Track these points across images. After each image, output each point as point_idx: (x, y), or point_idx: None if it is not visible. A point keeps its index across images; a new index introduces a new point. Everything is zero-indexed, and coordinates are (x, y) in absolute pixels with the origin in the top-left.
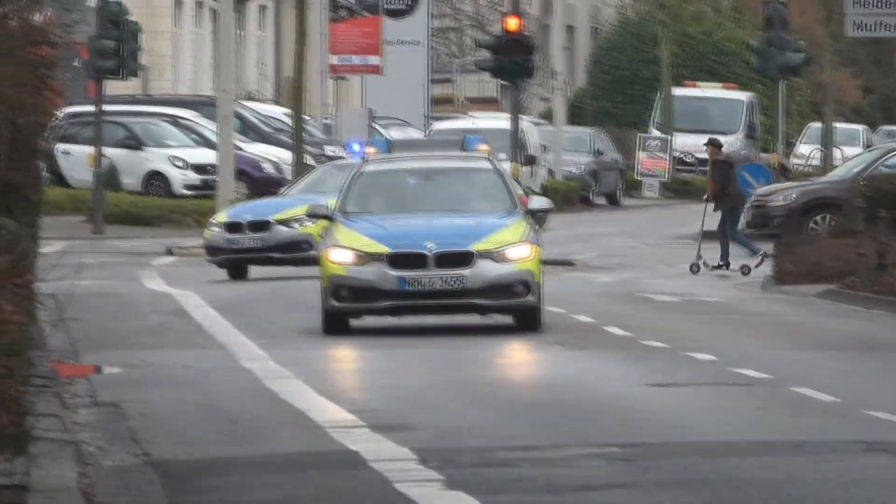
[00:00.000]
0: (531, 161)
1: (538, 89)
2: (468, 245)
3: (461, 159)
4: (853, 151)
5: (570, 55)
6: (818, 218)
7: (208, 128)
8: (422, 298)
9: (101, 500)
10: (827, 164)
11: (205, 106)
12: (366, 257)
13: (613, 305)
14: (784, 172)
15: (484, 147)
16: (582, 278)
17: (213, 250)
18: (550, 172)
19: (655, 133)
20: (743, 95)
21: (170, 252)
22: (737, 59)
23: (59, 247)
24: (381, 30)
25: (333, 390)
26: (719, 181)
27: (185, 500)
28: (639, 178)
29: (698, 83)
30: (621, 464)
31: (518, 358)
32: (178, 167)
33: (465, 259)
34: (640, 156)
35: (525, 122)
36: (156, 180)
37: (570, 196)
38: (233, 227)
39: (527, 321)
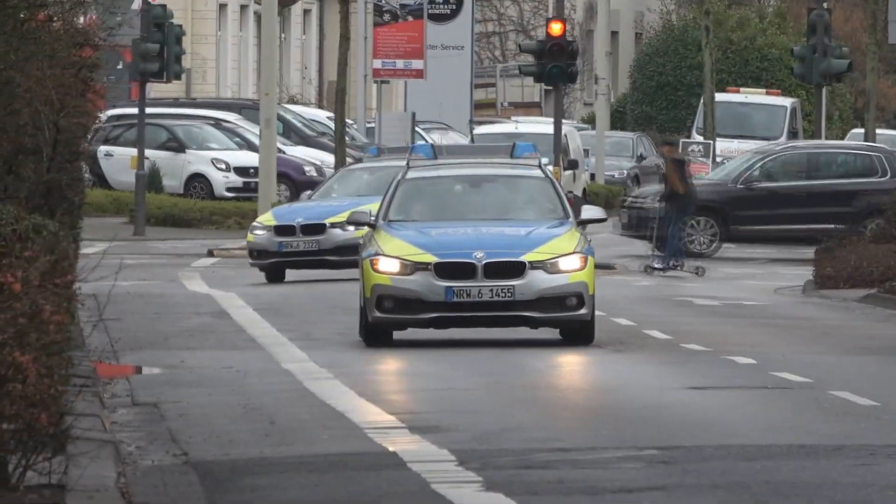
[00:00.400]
0: (573, 166)
1: (581, 94)
2: (519, 255)
3: (510, 166)
4: None
5: (613, 60)
6: (694, 222)
7: (251, 131)
8: (469, 310)
9: (139, 500)
10: None
11: (247, 109)
12: (411, 266)
13: (653, 309)
14: None
15: (534, 155)
16: (622, 281)
17: (261, 254)
18: (592, 177)
19: (698, 138)
20: (786, 101)
21: (211, 254)
22: (780, 64)
23: (101, 248)
24: (424, 34)
25: (373, 392)
26: (676, 180)
27: (224, 500)
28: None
29: (741, 89)
30: (660, 466)
31: (558, 361)
32: (220, 170)
33: (515, 269)
34: (688, 159)
35: (567, 127)
36: (197, 182)
37: (612, 200)
38: (284, 230)
39: (578, 336)
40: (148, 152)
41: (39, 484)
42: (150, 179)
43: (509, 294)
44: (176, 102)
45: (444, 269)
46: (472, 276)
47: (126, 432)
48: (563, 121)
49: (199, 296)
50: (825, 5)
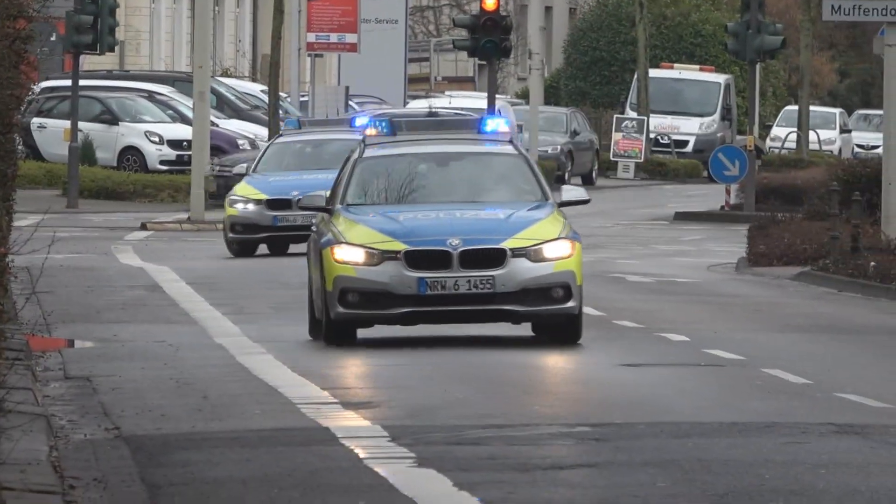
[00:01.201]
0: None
1: (514, 69)
2: (499, 241)
3: (479, 142)
4: (829, 134)
5: (547, 35)
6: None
7: (184, 103)
8: (444, 304)
9: (71, 474)
10: (802, 146)
11: (181, 82)
12: (378, 256)
13: (586, 286)
14: (759, 155)
15: (504, 129)
16: None
17: (248, 227)
18: (526, 152)
19: (631, 114)
20: (719, 77)
21: (144, 227)
22: (714, 41)
23: (34, 220)
24: (358, 8)
25: (306, 367)
26: None
27: (155, 475)
28: (614, 158)
29: (675, 65)
30: (592, 443)
31: (492, 338)
32: (154, 142)
33: (496, 258)
34: (616, 137)
35: (501, 102)
36: (131, 155)
37: (546, 174)
38: (278, 203)
39: (564, 332)
40: (81, 125)
41: None
42: (84, 152)
43: (489, 286)
44: (109, 75)
45: (416, 258)
46: (446, 266)
47: (58, 406)
48: (497, 96)
49: (132, 269)
50: None
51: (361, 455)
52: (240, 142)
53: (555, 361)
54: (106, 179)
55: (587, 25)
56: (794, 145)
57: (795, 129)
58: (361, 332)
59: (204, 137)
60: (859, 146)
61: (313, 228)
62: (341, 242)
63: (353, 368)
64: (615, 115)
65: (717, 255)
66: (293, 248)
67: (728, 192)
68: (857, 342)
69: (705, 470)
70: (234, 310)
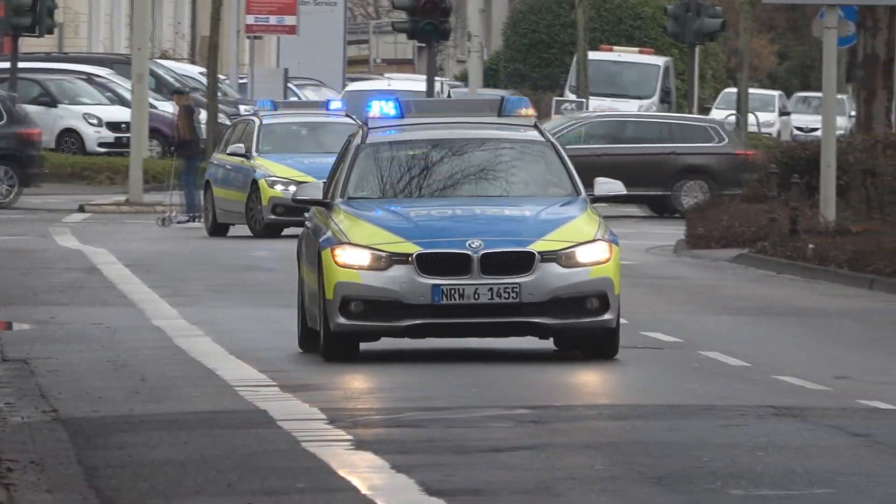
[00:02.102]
0: None
1: (454, 51)
2: (526, 243)
3: (500, 127)
4: (768, 117)
5: (486, 18)
6: None
7: (123, 86)
8: (461, 315)
9: (8, 457)
10: (741, 129)
11: (120, 64)
12: (386, 259)
13: None
14: None
15: (528, 111)
16: None
17: (293, 210)
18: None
19: (570, 96)
20: (659, 60)
21: (82, 209)
22: (653, 23)
23: None
24: None
25: (244, 349)
26: (186, 128)
27: (93, 457)
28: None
29: (614, 47)
30: (530, 426)
31: None
32: (92, 125)
33: (522, 262)
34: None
35: (441, 84)
36: (69, 137)
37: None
38: None
39: (598, 348)
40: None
41: None
42: None
43: (514, 295)
44: (48, 57)
45: (430, 263)
46: (465, 272)
47: None
48: (436, 78)
49: (70, 251)
50: None
51: (299, 438)
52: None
53: (492, 345)
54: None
55: (527, 8)
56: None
57: (734, 112)
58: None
59: (142, 120)
60: (798, 129)
61: (307, 224)
62: (343, 243)
63: (290, 350)
64: (555, 98)
65: (655, 238)
66: (232, 231)
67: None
68: (796, 324)
69: (644, 452)
70: (171, 292)
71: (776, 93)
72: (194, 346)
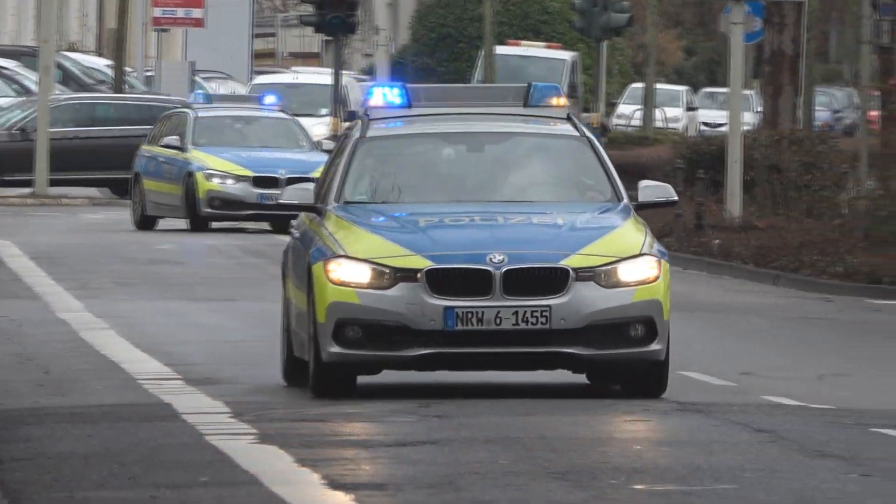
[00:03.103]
0: (352, 117)
1: (361, 45)
2: (558, 258)
3: (525, 119)
4: (674, 112)
5: (393, 11)
6: None
7: (29, 78)
8: (480, 345)
9: None
10: (648, 124)
11: (26, 56)
12: (390, 275)
13: None
14: (604, 132)
15: (560, 100)
16: None
17: (230, 203)
18: (591, 133)
19: None
20: (565, 55)
21: None
22: (560, 18)
23: None
24: None
25: (149, 343)
26: None
27: None
28: None
29: (521, 42)
30: (434, 420)
31: None
32: None
33: (553, 281)
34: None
35: (347, 78)
36: None
37: None
38: (264, 181)
39: (641, 383)
40: None
41: None
42: None
43: (543, 320)
44: None
45: (443, 280)
46: (485, 292)
47: None
48: (343, 72)
49: None
50: None
51: (203, 431)
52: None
53: None
54: None
55: (434, 2)
56: (639, 123)
57: (641, 107)
58: None
59: (48, 111)
60: (705, 124)
61: (294, 232)
62: (338, 256)
63: (197, 345)
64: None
65: None
66: (163, 224)
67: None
68: (701, 320)
69: (548, 447)
70: (77, 285)
71: (683, 88)
72: (99, 340)
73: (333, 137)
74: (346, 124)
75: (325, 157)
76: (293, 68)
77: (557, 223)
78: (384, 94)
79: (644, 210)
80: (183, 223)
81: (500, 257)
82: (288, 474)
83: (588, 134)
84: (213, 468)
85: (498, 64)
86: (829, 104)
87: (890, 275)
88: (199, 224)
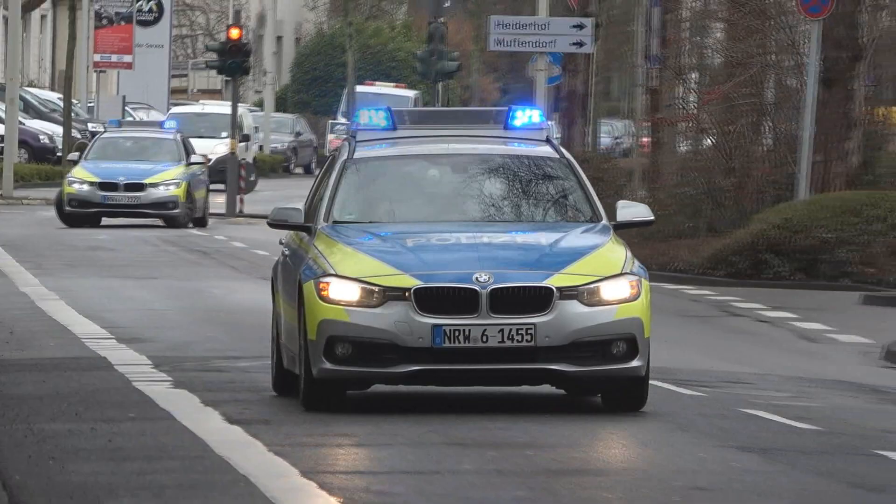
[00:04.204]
0: (246, 139)
1: (253, 83)
2: (543, 277)
3: (506, 140)
4: None
5: (278, 58)
6: None
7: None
8: (467, 361)
9: None
10: None
11: None
12: (379, 294)
13: None
14: None
15: (539, 120)
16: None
17: (83, 203)
18: (261, 148)
19: (342, 120)
20: (410, 93)
21: None
22: (406, 64)
23: None
24: (133, 35)
25: (90, 310)
26: None
27: None
28: (328, 153)
29: (376, 83)
30: None
31: (238, 291)
32: None
33: (538, 299)
34: (330, 137)
35: (242, 109)
36: None
37: (276, 166)
38: (107, 186)
39: (624, 398)
40: None
41: None
42: None
43: (528, 337)
44: None
45: (431, 299)
46: (471, 310)
47: None
48: (239, 104)
49: None
50: (441, 19)
51: (131, 378)
52: (41, 136)
53: None
54: None
55: (309, 51)
56: None
57: None
58: None
59: (13, 133)
60: None
61: (284, 251)
62: (329, 275)
63: (126, 313)
64: (329, 121)
65: None
66: (107, 221)
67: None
68: None
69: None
70: (34, 266)
71: None
72: (52, 308)
73: (231, 154)
74: (241, 143)
75: (180, 169)
76: (201, 101)
77: (541, 243)
78: (370, 117)
79: (621, 229)
80: (120, 221)
81: (486, 276)
82: (194, 412)
83: (567, 155)
84: (139, 407)
85: (357, 99)
86: (610, 132)
87: (656, 263)
88: (66, 218)
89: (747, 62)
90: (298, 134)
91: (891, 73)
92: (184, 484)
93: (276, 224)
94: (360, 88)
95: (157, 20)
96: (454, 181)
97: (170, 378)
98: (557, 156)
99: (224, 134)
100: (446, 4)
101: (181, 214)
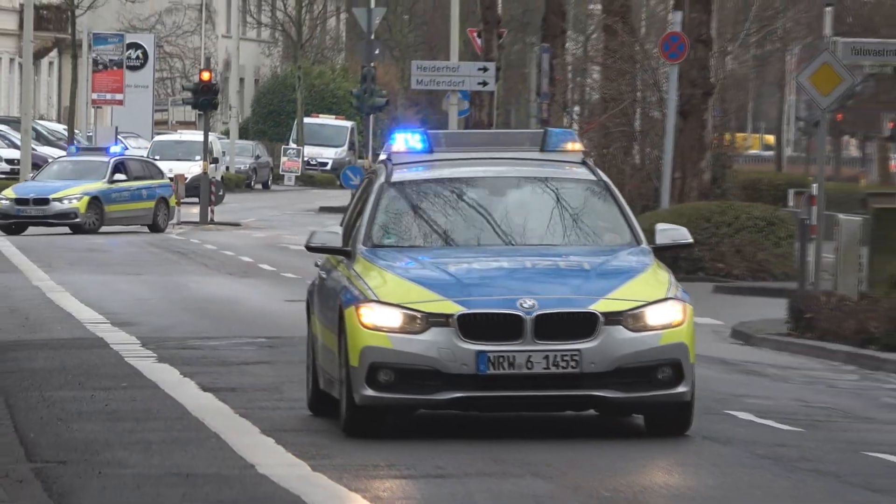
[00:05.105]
0: (215, 161)
1: (220, 116)
2: (587, 303)
3: (543, 164)
4: None
5: (241, 96)
6: None
7: (14, 136)
8: (512, 388)
9: None
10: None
11: (12, 123)
12: (422, 320)
13: (265, 252)
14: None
15: (575, 145)
16: (245, 234)
17: (4, 216)
18: (227, 168)
19: (293, 146)
20: (348, 123)
21: None
22: (345, 100)
23: None
24: (123, 77)
25: (91, 300)
26: None
27: None
28: (282, 173)
29: (320, 115)
30: (267, 349)
31: (210, 284)
32: None
33: (583, 325)
34: (283, 159)
35: (212, 136)
36: None
37: (239, 183)
38: (21, 201)
39: (668, 421)
40: None
41: None
42: None
43: (574, 364)
44: None
45: (475, 325)
46: (516, 336)
47: None
48: (210, 133)
49: None
50: (372, 64)
51: (123, 355)
52: (49, 160)
53: (241, 298)
54: None
55: (266, 90)
56: None
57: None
58: None
59: (27, 157)
60: None
61: (321, 273)
62: (370, 300)
63: (119, 302)
64: (283, 146)
65: None
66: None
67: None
68: None
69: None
70: (45, 265)
71: None
72: (58, 298)
73: (203, 173)
74: (212, 165)
75: (93, 185)
76: (179, 131)
77: (584, 267)
78: (406, 140)
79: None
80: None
81: (531, 302)
82: (176, 383)
83: (604, 177)
84: (130, 378)
85: (306, 129)
86: None
87: None
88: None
89: (619, 98)
90: (258, 157)
91: (734, 107)
92: (167, 440)
93: (315, 248)
94: (307, 120)
95: (142, 65)
96: (492, 204)
97: (154, 354)
98: (594, 178)
99: (197, 157)
100: (376, 52)
101: (82, 223)
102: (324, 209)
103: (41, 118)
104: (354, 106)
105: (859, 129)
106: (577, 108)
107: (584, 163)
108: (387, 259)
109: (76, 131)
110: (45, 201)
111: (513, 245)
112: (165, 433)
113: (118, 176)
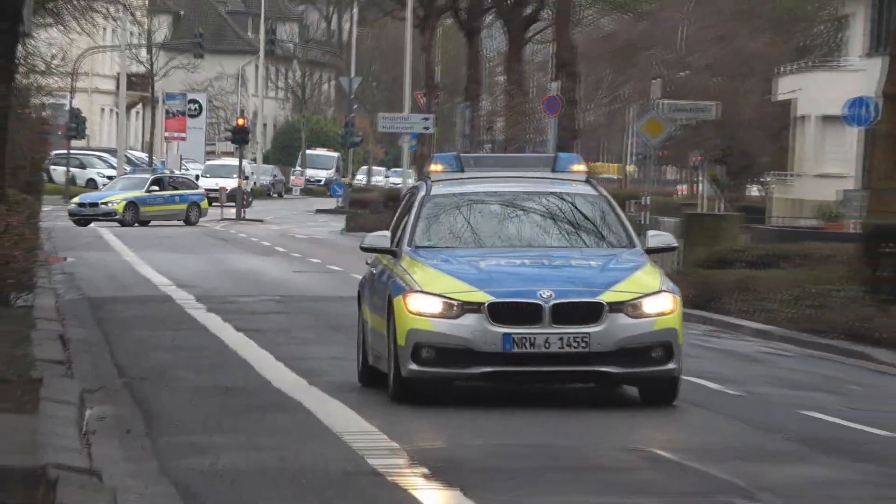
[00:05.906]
0: (247, 178)
1: (250, 148)
2: (596, 294)
3: (554, 182)
4: (379, 177)
5: (264, 135)
6: None
7: (112, 161)
8: (532, 364)
9: (63, 315)
10: (369, 183)
11: (111, 152)
12: (458, 307)
13: (280, 239)
14: (351, 186)
15: (580, 167)
16: (266, 227)
17: (73, 214)
18: (255, 183)
19: (298, 168)
20: (335, 154)
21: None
22: (333, 139)
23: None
24: (185, 122)
25: (162, 270)
26: None
27: (98, 313)
28: (291, 186)
29: (317, 148)
30: (282, 303)
31: (245, 262)
32: (101, 178)
33: (592, 313)
34: (292, 178)
35: (245, 162)
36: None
37: (262, 193)
38: (81, 204)
39: (660, 394)
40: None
41: (22, 305)
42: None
43: (584, 344)
44: (84, 149)
45: (502, 312)
46: (536, 321)
47: (60, 286)
48: (243, 159)
49: (90, 229)
50: (352, 115)
51: (184, 307)
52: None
53: (262, 269)
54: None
55: (281, 131)
56: (364, 182)
57: (365, 176)
58: None
59: (121, 174)
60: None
61: (371, 269)
62: (415, 291)
63: (181, 271)
64: (292, 169)
65: (333, 226)
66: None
67: (338, 200)
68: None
69: (340, 323)
70: (132, 246)
71: (383, 168)
72: (141, 269)
73: (238, 186)
74: (244, 180)
75: (132, 193)
76: (223, 158)
77: (591, 265)
78: (441, 162)
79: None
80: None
81: (549, 293)
82: (218, 325)
83: (604, 192)
84: (186, 323)
85: (308, 158)
86: None
87: None
88: (75, 222)
89: (517, 137)
90: (275, 176)
91: (593, 145)
92: (212, 364)
93: (367, 248)
94: (308, 151)
95: (198, 114)
96: (514, 213)
97: (204, 306)
98: (597, 193)
99: (235, 175)
100: (355, 107)
101: (121, 219)
102: (319, 211)
103: (130, 149)
104: (339, 142)
105: (675, 161)
106: (488, 146)
107: (587, 181)
108: (427, 257)
109: (155, 159)
110: (96, 204)
111: (531, 246)
112: (212, 360)
113: (153, 187)
